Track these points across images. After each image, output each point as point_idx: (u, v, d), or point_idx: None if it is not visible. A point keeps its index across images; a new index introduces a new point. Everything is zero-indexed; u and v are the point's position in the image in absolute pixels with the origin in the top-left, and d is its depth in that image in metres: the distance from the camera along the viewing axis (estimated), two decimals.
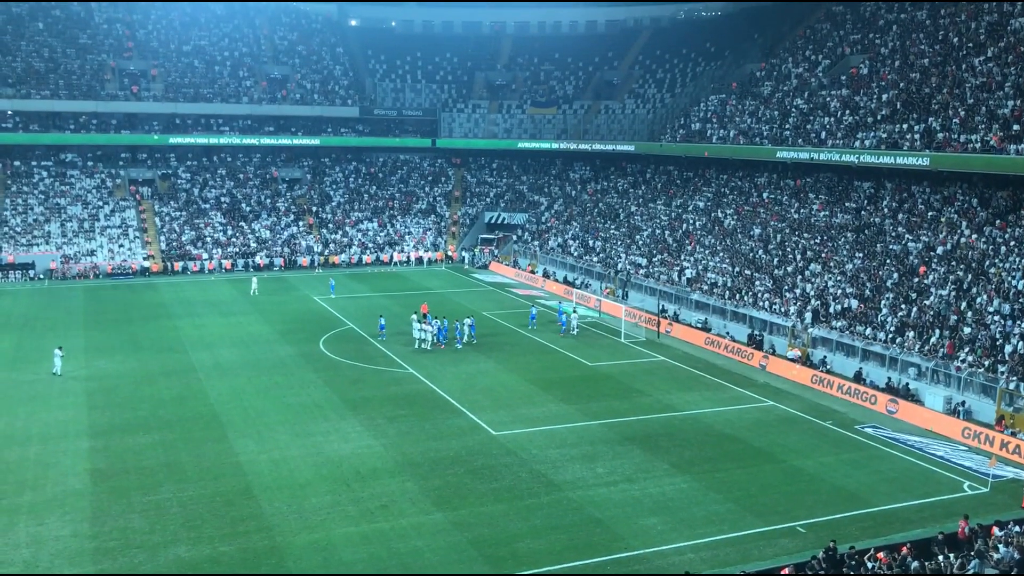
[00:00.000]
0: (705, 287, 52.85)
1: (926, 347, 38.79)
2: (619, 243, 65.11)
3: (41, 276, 63.67)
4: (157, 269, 67.19)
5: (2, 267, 63.18)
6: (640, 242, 63.50)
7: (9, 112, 71.57)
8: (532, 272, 68.47)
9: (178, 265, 67.81)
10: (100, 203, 72.24)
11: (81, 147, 74.99)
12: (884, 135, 50.67)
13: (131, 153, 77.06)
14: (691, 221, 62.29)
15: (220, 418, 33.50)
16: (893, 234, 47.88)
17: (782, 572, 20.60)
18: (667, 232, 62.68)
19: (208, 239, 71.29)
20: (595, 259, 64.60)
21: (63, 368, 39.23)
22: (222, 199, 76.14)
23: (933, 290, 41.83)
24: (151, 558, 22.50)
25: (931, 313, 40.41)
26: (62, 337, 44.53)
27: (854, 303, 43.96)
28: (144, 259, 67.78)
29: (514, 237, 76.59)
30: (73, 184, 73.35)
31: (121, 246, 68.47)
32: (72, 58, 76.54)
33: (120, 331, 47.63)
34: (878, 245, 47.63)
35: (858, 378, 39.59)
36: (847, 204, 53.06)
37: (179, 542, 23.36)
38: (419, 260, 74.30)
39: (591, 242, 67.56)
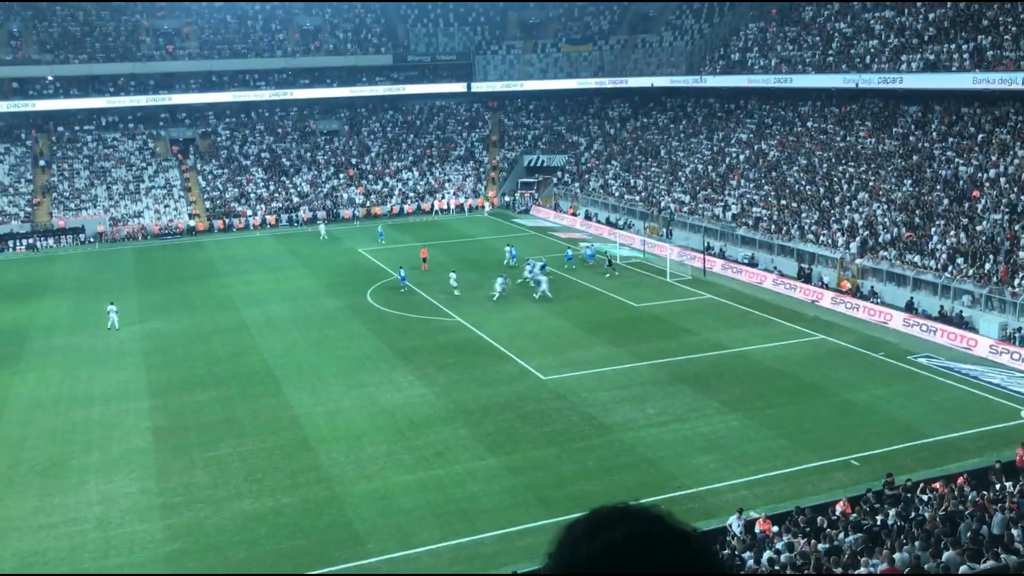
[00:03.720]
0: (750, 222, 52.21)
1: (979, 273, 38.07)
2: (661, 181, 64.38)
3: (91, 240, 64.87)
4: (203, 228, 68.06)
5: (53, 232, 64.50)
6: (683, 179, 62.74)
7: (49, 78, 72.36)
8: (574, 214, 68.15)
9: (223, 223, 68.61)
10: (144, 165, 73.09)
11: (121, 109, 75.65)
12: (931, 56, 49.15)
13: (170, 113, 77.62)
14: (734, 155, 61.31)
15: (274, 373, 34.14)
16: (943, 159, 46.72)
17: (837, 505, 20.64)
18: (710, 167, 61.81)
19: (251, 195, 71.92)
20: (637, 198, 64.03)
21: (120, 321, 40.62)
22: (262, 155, 76.56)
23: (986, 215, 40.88)
24: (216, 512, 23.22)
25: (983, 239, 39.56)
26: (116, 298, 45.50)
27: (904, 231, 43.17)
28: (190, 218, 68.69)
29: (554, 180, 76.08)
30: (116, 147, 74.23)
31: (167, 206, 69.39)
32: (107, 20, 76.92)
33: (171, 290, 48.53)
34: (927, 171, 46.55)
35: (910, 308, 39.06)
36: (894, 130, 51.80)
37: (242, 496, 24.04)
38: (459, 207, 74.20)
39: (632, 181, 66.91)
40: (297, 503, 23.60)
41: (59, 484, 25.12)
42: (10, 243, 62.75)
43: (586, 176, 72.70)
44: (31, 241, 63.22)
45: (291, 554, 21.19)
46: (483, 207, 74.46)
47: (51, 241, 63.84)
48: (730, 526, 20.31)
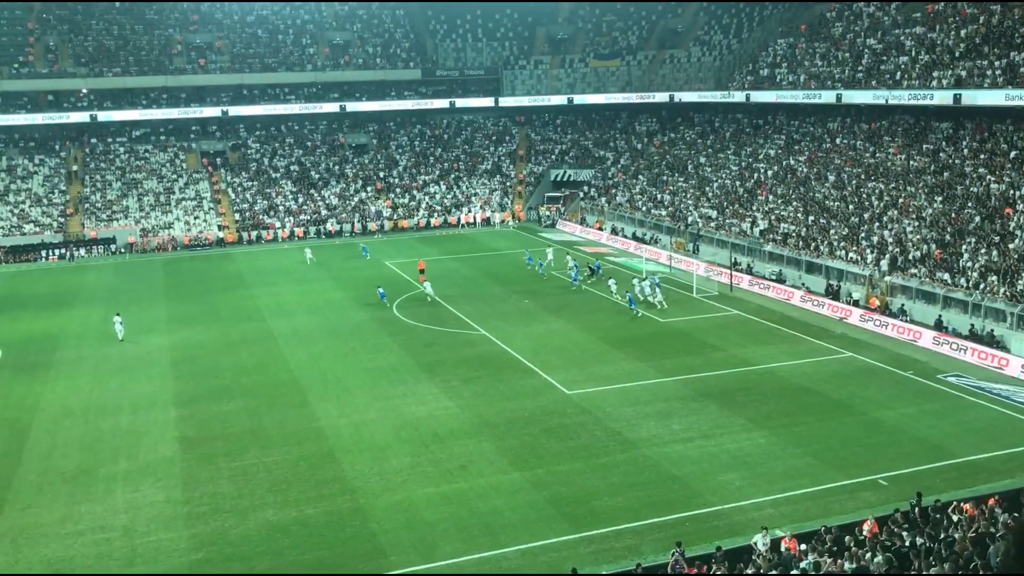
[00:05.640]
0: (778, 238, 51.88)
1: (1011, 292, 37.54)
2: (688, 196, 64.17)
3: (122, 250, 65.67)
4: (232, 239, 68.67)
5: (85, 243, 65.37)
6: (710, 194, 62.49)
7: (84, 91, 73.52)
8: (600, 229, 68.07)
9: (252, 234, 69.17)
10: (175, 176, 73.94)
11: (153, 122, 76.67)
12: (963, 73, 48.72)
13: (201, 126, 78.56)
14: (762, 170, 61.02)
15: (300, 384, 34.32)
16: (974, 176, 46.22)
17: (864, 525, 20.36)
18: (738, 182, 61.54)
19: (280, 208, 72.51)
20: (664, 213, 63.85)
21: (147, 331, 41.36)
22: (292, 167, 77.22)
23: (1019, 232, 40.36)
24: (241, 521, 23.32)
25: (1016, 256, 39.05)
26: (145, 309, 46.03)
27: (934, 248, 42.70)
28: (219, 229, 69.33)
29: (580, 194, 76.08)
30: (148, 159, 75.20)
31: (196, 218, 70.12)
32: (140, 34, 78.09)
33: (200, 301, 48.96)
34: (958, 188, 46.06)
35: (939, 326, 38.60)
36: (924, 146, 51.35)
37: (267, 506, 24.15)
38: (486, 221, 74.36)
39: (659, 196, 66.74)
40: (321, 514, 23.65)
41: (87, 492, 25.37)
42: (43, 253, 63.74)
43: (612, 191, 72.63)
44: (63, 251, 64.12)
45: (314, 565, 21.23)
46: (508, 221, 74.60)
47: (83, 251, 64.71)
48: (755, 544, 20.10)
